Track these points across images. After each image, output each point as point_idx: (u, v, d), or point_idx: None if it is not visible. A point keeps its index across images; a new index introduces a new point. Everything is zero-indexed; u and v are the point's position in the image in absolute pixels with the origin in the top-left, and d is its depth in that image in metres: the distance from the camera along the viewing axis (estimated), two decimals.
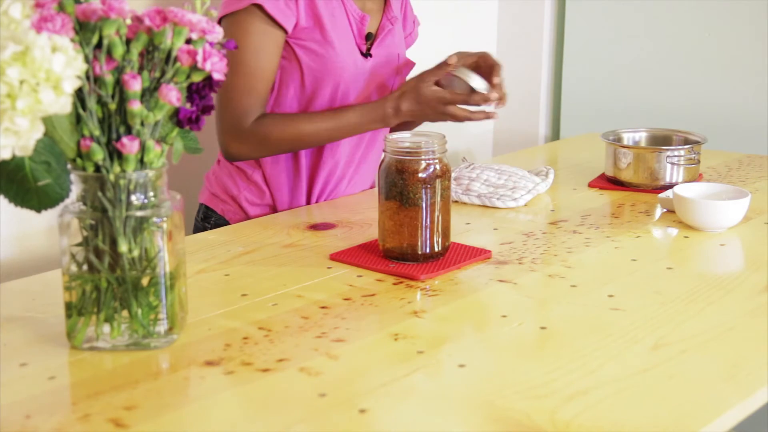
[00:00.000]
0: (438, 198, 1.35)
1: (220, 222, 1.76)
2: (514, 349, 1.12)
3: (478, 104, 1.65)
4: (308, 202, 1.76)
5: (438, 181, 1.34)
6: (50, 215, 1.06)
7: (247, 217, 1.75)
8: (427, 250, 1.36)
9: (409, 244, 1.36)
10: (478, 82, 1.65)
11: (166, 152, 1.07)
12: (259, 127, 1.63)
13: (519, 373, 1.04)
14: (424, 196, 1.34)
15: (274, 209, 1.76)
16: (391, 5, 1.78)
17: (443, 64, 1.66)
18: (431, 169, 1.34)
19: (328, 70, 1.67)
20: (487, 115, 1.65)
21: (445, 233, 1.38)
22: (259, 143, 1.63)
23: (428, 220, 1.35)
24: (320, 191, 1.76)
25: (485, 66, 1.69)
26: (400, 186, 1.34)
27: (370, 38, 1.73)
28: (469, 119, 1.65)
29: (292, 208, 1.73)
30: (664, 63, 2.57)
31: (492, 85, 1.66)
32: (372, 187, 1.89)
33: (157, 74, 1.04)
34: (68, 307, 1.08)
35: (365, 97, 1.75)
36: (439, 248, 1.37)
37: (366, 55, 1.73)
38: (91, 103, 1.02)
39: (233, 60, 1.43)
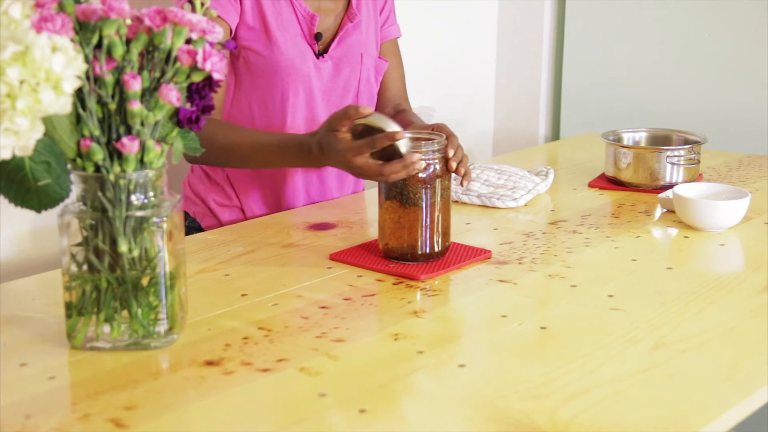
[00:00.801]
0: (438, 198, 1.35)
1: (193, 224, 1.75)
2: (514, 349, 1.12)
3: (396, 171, 1.31)
4: (285, 206, 1.74)
5: (438, 181, 1.34)
6: (50, 215, 1.06)
7: (217, 220, 1.74)
8: (427, 250, 1.36)
9: (409, 244, 1.36)
10: (400, 139, 1.32)
11: (166, 152, 1.07)
12: (205, 131, 1.53)
13: (519, 373, 1.04)
14: (424, 196, 1.34)
15: (243, 212, 1.75)
16: (352, 5, 1.73)
17: (350, 111, 1.35)
18: (431, 169, 1.34)
19: (275, 70, 1.64)
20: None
21: (445, 233, 1.38)
22: (204, 146, 1.49)
23: (428, 220, 1.35)
24: (296, 194, 1.74)
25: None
26: (400, 186, 1.34)
27: (319, 38, 1.69)
28: (385, 178, 1.33)
29: (268, 213, 1.72)
30: (664, 63, 2.57)
31: (447, 160, 1.36)
32: (362, 189, 1.88)
33: (157, 74, 1.04)
34: (68, 307, 1.08)
35: (334, 99, 1.72)
36: (439, 248, 1.37)
37: (319, 55, 1.70)
38: (91, 103, 1.02)
39: None
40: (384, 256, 1.39)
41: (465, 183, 1.39)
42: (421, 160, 1.32)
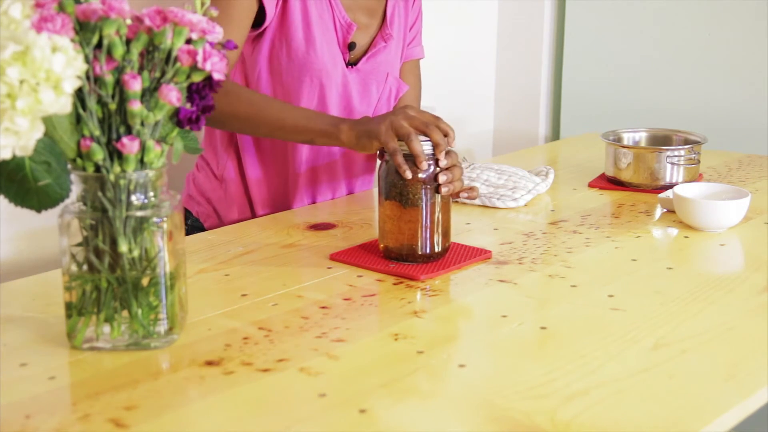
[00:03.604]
0: (438, 198, 1.35)
1: (196, 224, 1.74)
2: (514, 349, 1.12)
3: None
4: (289, 206, 1.75)
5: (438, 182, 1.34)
6: (50, 215, 1.06)
7: (221, 221, 1.74)
8: (427, 251, 1.36)
9: (408, 244, 1.36)
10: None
11: (166, 152, 1.07)
12: (227, 86, 1.54)
13: (519, 373, 1.04)
14: (423, 197, 1.34)
15: (252, 211, 1.74)
16: (387, 23, 1.75)
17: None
18: (431, 170, 1.34)
19: (307, 70, 1.65)
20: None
21: (445, 233, 1.38)
22: (218, 101, 1.46)
23: (428, 220, 1.35)
24: (301, 194, 1.74)
25: None
26: (400, 186, 1.34)
27: (353, 48, 1.70)
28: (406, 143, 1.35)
29: (277, 212, 1.72)
30: (664, 63, 2.57)
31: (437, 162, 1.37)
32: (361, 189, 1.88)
33: (157, 74, 1.04)
34: (68, 307, 1.08)
35: (352, 110, 1.73)
36: (439, 248, 1.37)
37: (349, 65, 1.71)
38: (91, 103, 1.02)
39: None
40: (384, 256, 1.39)
41: (474, 194, 1.42)
42: (427, 161, 1.34)
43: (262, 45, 1.64)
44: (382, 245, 1.39)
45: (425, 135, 1.35)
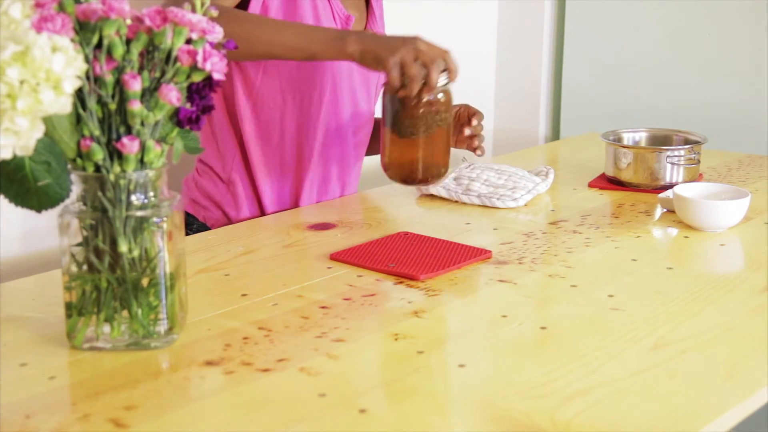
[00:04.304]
0: (437, 128, 1.52)
1: (202, 229, 1.72)
2: (514, 349, 1.12)
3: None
4: (297, 204, 1.74)
5: (438, 113, 1.51)
6: (50, 215, 1.06)
7: (230, 224, 1.74)
8: (427, 176, 1.55)
9: (408, 171, 1.55)
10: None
11: (166, 152, 1.07)
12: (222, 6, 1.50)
13: (519, 373, 1.04)
14: (425, 126, 1.51)
15: (261, 212, 1.74)
16: (374, 15, 1.78)
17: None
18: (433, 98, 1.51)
19: (319, 62, 1.65)
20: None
21: (444, 161, 1.55)
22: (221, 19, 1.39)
23: (427, 150, 1.52)
24: (308, 193, 1.75)
25: (467, 115, 1.77)
26: (400, 117, 1.50)
27: None
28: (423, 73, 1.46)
29: (283, 210, 1.72)
30: (664, 63, 2.57)
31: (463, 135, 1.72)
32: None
33: (157, 74, 1.04)
34: (68, 307, 1.08)
35: (353, 99, 1.74)
36: (440, 172, 1.55)
37: None
38: (91, 103, 1.02)
39: None
40: (388, 176, 1.57)
41: (479, 153, 1.67)
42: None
43: None
44: (386, 169, 1.57)
45: (428, 71, 1.46)
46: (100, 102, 1.02)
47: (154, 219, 1.06)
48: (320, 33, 1.51)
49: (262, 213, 1.73)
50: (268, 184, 1.72)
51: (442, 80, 1.48)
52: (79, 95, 1.01)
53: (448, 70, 1.48)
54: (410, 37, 1.47)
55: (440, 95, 1.52)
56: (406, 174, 1.56)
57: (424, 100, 1.49)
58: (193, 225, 1.73)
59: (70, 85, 0.93)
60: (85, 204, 1.05)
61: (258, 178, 1.71)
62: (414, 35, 1.48)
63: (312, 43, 1.50)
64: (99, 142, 1.02)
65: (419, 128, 1.51)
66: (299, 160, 1.72)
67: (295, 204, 1.74)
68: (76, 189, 1.05)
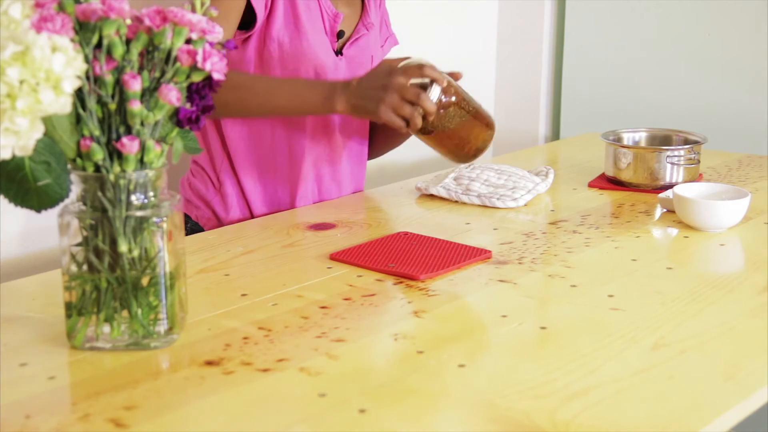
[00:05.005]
0: (455, 120, 1.58)
1: (196, 228, 1.73)
2: (514, 349, 1.12)
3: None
4: (293, 204, 1.74)
5: (451, 107, 1.56)
6: (50, 215, 1.06)
7: (220, 224, 1.74)
8: (472, 152, 1.64)
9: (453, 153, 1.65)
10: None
11: (166, 152, 1.07)
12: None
13: (519, 373, 1.04)
14: (452, 120, 1.57)
15: (250, 211, 1.74)
16: (368, 12, 1.78)
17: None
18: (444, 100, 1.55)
19: (301, 61, 1.65)
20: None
21: (485, 120, 1.63)
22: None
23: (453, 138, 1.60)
24: (303, 193, 1.75)
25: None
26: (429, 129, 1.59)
27: (341, 36, 1.72)
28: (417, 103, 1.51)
29: (278, 211, 1.72)
30: (664, 63, 2.57)
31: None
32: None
33: (157, 74, 1.04)
34: (68, 307, 1.08)
35: None
36: (481, 146, 1.64)
37: (338, 53, 1.72)
38: (91, 103, 1.02)
39: None
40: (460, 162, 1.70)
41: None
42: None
43: (249, 45, 1.65)
44: (457, 162, 1.69)
45: (418, 104, 1.51)
46: (100, 102, 1.02)
47: (154, 219, 1.06)
48: (310, 94, 1.58)
49: (251, 214, 1.73)
50: (259, 185, 1.72)
51: (435, 94, 1.52)
52: (79, 95, 1.01)
53: (435, 81, 1.52)
54: (387, 75, 1.52)
55: (443, 98, 1.54)
56: (464, 154, 1.65)
57: (431, 119, 1.54)
58: (186, 224, 1.73)
59: (70, 85, 0.93)
60: (85, 204, 1.05)
61: (245, 179, 1.71)
62: (389, 69, 1.53)
63: (303, 105, 1.59)
64: (99, 142, 1.02)
65: (452, 121, 1.58)
66: (290, 160, 1.72)
67: (292, 204, 1.74)
68: (75, 189, 1.05)
